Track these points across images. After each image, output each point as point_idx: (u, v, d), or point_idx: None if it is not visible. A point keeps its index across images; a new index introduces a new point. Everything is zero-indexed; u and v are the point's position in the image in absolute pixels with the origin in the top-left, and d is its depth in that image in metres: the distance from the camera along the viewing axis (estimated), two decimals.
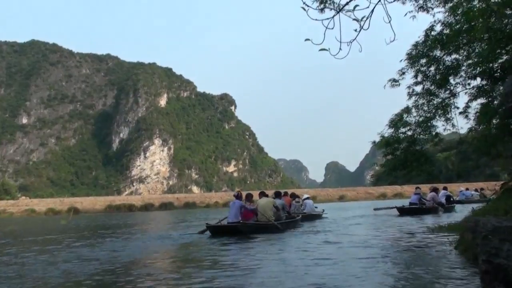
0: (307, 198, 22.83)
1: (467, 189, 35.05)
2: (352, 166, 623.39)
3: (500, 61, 12.22)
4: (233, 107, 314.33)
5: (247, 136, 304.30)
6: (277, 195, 17.95)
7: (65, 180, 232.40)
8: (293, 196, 21.21)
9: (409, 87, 14.02)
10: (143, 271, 7.77)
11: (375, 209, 24.12)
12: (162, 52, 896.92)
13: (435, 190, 24.80)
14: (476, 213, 10.59)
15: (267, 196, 16.68)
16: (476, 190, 36.13)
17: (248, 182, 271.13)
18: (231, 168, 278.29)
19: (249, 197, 16.01)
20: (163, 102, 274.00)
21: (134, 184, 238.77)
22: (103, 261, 9.06)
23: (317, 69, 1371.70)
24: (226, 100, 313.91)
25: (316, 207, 23.64)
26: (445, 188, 27.90)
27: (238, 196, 15.17)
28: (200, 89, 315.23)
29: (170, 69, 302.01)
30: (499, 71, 12.46)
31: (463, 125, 14.66)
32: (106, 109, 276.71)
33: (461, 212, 20.57)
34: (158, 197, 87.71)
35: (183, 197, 79.99)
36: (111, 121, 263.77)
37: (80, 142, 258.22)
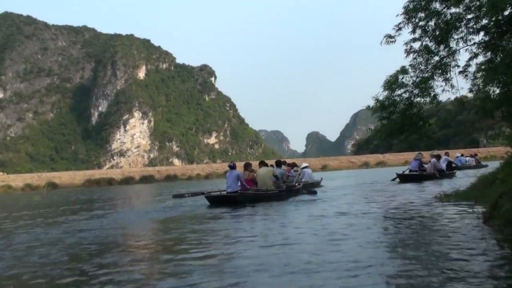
0: (306, 167, 22.46)
1: (462, 155, 34.93)
2: (332, 136, 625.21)
3: (507, 12, 11.10)
4: (213, 78, 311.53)
5: (227, 108, 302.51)
6: (278, 164, 17.99)
7: (44, 155, 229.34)
8: (292, 165, 20.98)
9: (406, 43, 12.88)
10: (112, 258, 6.51)
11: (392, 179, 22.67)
12: (139, 23, 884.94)
13: (438, 157, 24.33)
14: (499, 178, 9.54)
15: (266, 165, 16.55)
16: (471, 156, 36.12)
17: (229, 153, 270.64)
18: (212, 140, 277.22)
19: (247, 166, 15.95)
20: (141, 74, 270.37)
21: (115, 157, 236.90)
22: (67, 245, 7.82)
23: (298, 40, 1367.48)
24: (206, 71, 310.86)
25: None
26: (446, 154, 27.56)
27: (233, 167, 14.99)
28: (179, 60, 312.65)
29: (148, 41, 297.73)
30: (505, 23, 11.36)
31: (461, 86, 13.63)
32: (84, 82, 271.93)
33: (462, 178, 20.08)
34: (139, 170, 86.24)
35: (164, 170, 78.58)
36: (90, 94, 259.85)
37: (59, 116, 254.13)
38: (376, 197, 14.29)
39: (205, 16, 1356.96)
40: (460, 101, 14.36)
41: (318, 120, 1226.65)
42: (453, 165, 26.90)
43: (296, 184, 18.43)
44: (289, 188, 16.99)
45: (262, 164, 16.61)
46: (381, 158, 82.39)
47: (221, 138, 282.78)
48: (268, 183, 15.28)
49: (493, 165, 32.18)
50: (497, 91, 12.52)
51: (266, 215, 11.03)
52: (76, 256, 6.73)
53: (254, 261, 5.45)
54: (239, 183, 14.60)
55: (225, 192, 14.68)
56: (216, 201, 14.45)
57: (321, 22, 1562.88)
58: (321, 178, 24.15)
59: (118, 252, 6.96)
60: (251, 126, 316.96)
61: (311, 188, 20.02)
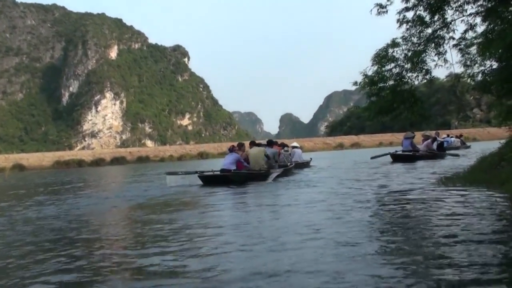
0: (296, 146, 22.86)
1: (448, 135, 35.01)
2: (306, 117, 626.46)
3: None
4: (186, 59, 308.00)
5: (201, 89, 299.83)
6: (269, 144, 17.94)
7: (14, 136, 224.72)
8: (282, 145, 20.70)
9: (399, 12, 11.76)
10: (52, 263, 5.20)
11: (372, 157, 23.03)
12: (111, 2, 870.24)
13: (434, 139, 24.20)
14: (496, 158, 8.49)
15: (258, 145, 16.61)
16: (457, 136, 36.06)
17: (203, 135, 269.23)
18: (185, 121, 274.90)
19: (240, 146, 15.98)
20: (113, 54, 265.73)
21: (86, 139, 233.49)
22: (17, 239, 6.50)
23: (272, 22, 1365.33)
24: (179, 52, 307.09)
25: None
26: (437, 134, 27.69)
27: (232, 150, 15.27)
28: (152, 40, 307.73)
29: (120, 20, 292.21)
30: None
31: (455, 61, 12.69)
32: (54, 62, 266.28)
33: (454, 159, 19.95)
34: (110, 151, 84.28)
35: (136, 151, 76.83)
36: (60, 74, 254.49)
37: (28, 97, 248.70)
38: (373, 179, 13.34)
39: None
40: (456, 78, 13.23)
41: (292, 101, 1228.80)
42: (443, 146, 26.45)
43: (289, 164, 18.55)
44: (281, 167, 17.02)
45: (253, 144, 16.66)
46: (355, 139, 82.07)
47: (195, 119, 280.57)
48: (260, 162, 15.35)
49: (475, 146, 32.54)
50: (495, 65, 11.55)
51: (257, 198, 10.29)
52: (7, 258, 5.37)
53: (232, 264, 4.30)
54: (235, 166, 14.59)
55: (218, 172, 14.79)
56: (210, 180, 14.57)
57: (296, 6, 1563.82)
58: (311, 158, 24.18)
59: (63, 253, 5.60)
60: (225, 107, 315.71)
61: (301, 167, 20.55)
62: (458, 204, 7.10)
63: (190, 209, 9.19)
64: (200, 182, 14.65)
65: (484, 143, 43.37)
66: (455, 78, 13.66)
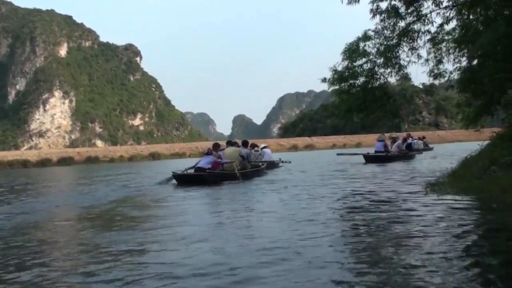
0: (265, 147, 23.79)
1: (412, 137, 34.85)
2: (259, 119, 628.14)
3: None
4: (138, 58, 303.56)
5: (153, 89, 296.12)
6: (244, 144, 18.59)
7: None
8: (253, 146, 21.29)
9: (372, 1, 10.82)
10: None
11: (338, 154, 25.54)
12: None
13: (404, 140, 25.97)
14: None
15: (233, 145, 17.03)
16: (419, 138, 36.71)
17: (155, 135, 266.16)
18: (137, 121, 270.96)
19: (216, 146, 16.01)
20: (63, 52, 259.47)
21: (33, 138, 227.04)
22: None
23: (226, 24, 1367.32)
24: (131, 51, 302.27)
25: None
26: (408, 136, 29.69)
27: (209, 153, 15.27)
28: (103, 38, 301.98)
29: (70, 17, 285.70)
30: None
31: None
32: (0, 58, 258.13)
33: (423, 160, 20.68)
34: (57, 151, 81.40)
35: (84, 151, 74.52)
36: (6, 72, 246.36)
37: None
38: (348, 182, 12.51)
39: None
40: (433, 74, 12.20)
41: (245, 103, 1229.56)
42: (412, 147, 28.12)
43: (261, 164, 18.98)
44: (254, 167, 17.43)
45: (229, 144, 17.14)
46: (309, 141, 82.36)
47: (146, 119, 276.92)
48: (235, 162, 15.48)
49: (439, 149, 33.26)
50: (474, 61, 10.78)
51: (231, 200, 10.08)
52: None
53: None
54: (210, 165, 14.63)
55: (192, 171, 14.94)
56: (184, 180, 14.60)
57: (251, 6, 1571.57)
58: (279, 158, 24.91)
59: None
60: (177, 108, 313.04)
61: (271, 168, 21.06)
62: (465, 218, 6.08)
63: (135, 225, 7.92)
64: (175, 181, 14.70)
65: (437, 146, 44.31)
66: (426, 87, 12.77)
